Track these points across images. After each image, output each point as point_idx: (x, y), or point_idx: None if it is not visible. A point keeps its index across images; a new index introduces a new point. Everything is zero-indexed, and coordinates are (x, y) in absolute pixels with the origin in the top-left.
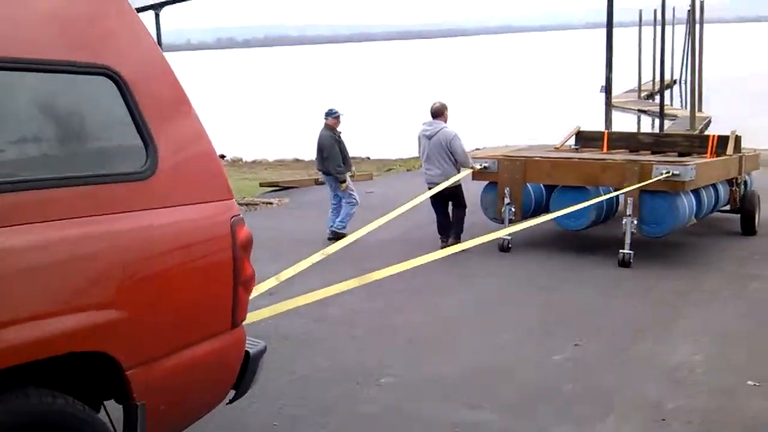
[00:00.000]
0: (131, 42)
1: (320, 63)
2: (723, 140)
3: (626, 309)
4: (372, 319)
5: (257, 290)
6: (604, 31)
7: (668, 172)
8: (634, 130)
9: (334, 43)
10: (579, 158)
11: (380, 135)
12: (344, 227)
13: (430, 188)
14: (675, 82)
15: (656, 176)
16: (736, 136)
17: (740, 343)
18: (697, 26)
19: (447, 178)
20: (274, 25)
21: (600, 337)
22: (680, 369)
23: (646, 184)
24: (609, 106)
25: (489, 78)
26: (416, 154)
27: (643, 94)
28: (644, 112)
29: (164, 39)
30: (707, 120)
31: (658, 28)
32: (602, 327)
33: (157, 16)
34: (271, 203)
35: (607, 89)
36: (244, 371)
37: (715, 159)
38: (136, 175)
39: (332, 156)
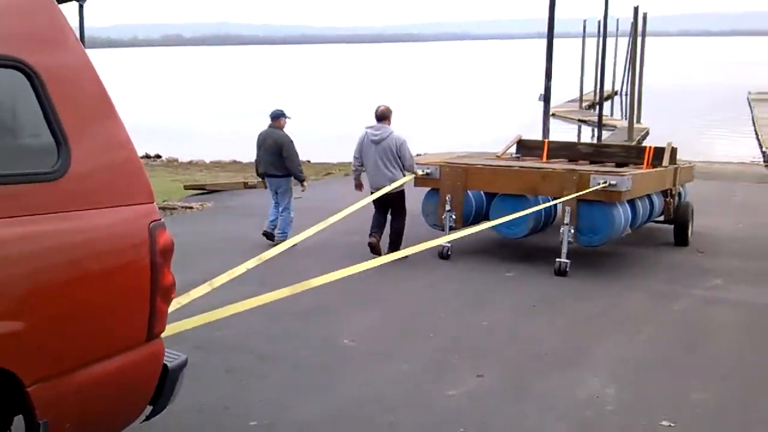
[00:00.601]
0: (50, 36)
1: (268, 63)
2: (659, 152)
3: (546, 330)
4: (263, 344)
5: (189, 297)
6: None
7: (605, 182)
8: (575, 139)
9: (287, 44)
10: (519, 167)
11: (321, 138)
12: (286, 236)
13: (374, 192)
14: (616, 93)
15: (593, 186)
16: (672, 147)
17: (658, 374)
18: (639, 39)
19: (391, 182)
20: (221, 23)
21: (509, 365)
22: (589, 406)
23: (584, 194)
24: (547, 115)
25: (435, 84)
26: None
27: (584, 104)
28: (584, 122)
29: (109, 34)
30: (645, 131)
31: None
32: (514, 353)
33: (81, 8)
34: (191, 207)
35: (546, 98)
36: (162, 386)
37: (651, 170)
38: (45, 176)
39: (293, 155)
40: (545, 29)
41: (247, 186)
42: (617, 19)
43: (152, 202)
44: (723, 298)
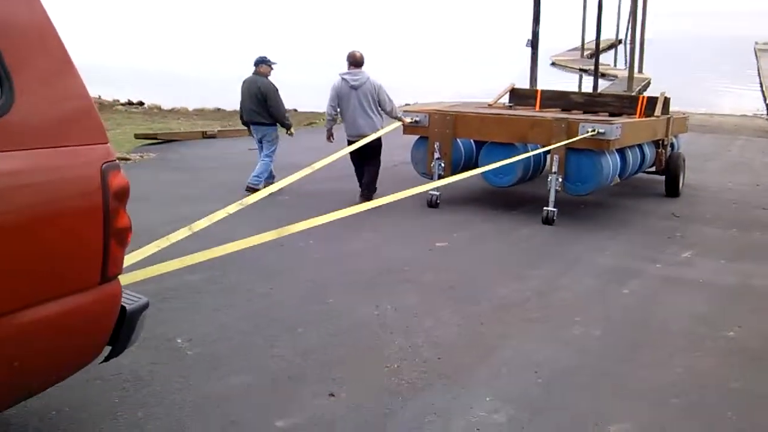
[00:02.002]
0: None
1: (254, 10)
2: (652, 102)
3: (463, 326)
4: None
5: (168, 240)
6: None
7: (594, 130)
8: (575, 89)
9: None
10: (508, 115)
11: (312, 86)
12: (260, 182)
13: (352, 141)
14: (620, 42)
15: (582, 134)
16: (665, 97)
17: (572, 392)
18: None
19: (375, 130)
20: None
21: (382, 379)
22: None
23: (572, 142)
24: (535, 62)
25: (431, 31)
26: None
27: (586, 53)
28: (585, 71)
29: None
30: (646, 81)
31: None
32: (411, 358)
33: None
34: (128, 159)
35: (533, 44)
36: (120, 328)
37: (641, 119)
38: None
39: (278, 103)
40: None
41: (205, 136)
42: None
43: (105, 143)
44: (684, 278)
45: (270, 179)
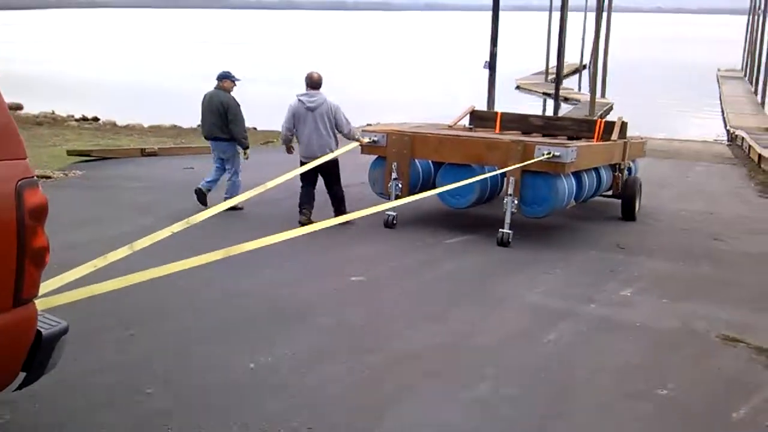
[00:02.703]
0: None
1: (236, 29)
2: (609, 126)
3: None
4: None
5: (106, 260)
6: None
7: (549, 153)
8: (539, 112)
9: (260, 9)
10: (465, 136)
11: (273, 104)
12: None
13: (304, 162)
14: (585, 66)
15: (538, 157)
16: (622, 122)
17: None
18: (605, 13)
19: (328, 151)
20: None
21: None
22: None
23: (528, 164)
24: (493, 83)
25: (400, 54)
26: None
27: (550, 77)
28: (549, 95)
29: None
30: (609, 106)
31: (574, 13)
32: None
33: None
34: (49, 177)
35: (491, 65)
36: (35, 354)
37: (597, 143)
38: None
39: (238, 119)
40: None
41: (144, 153)
42: None
43: (23, 159)
44: (620, 320)
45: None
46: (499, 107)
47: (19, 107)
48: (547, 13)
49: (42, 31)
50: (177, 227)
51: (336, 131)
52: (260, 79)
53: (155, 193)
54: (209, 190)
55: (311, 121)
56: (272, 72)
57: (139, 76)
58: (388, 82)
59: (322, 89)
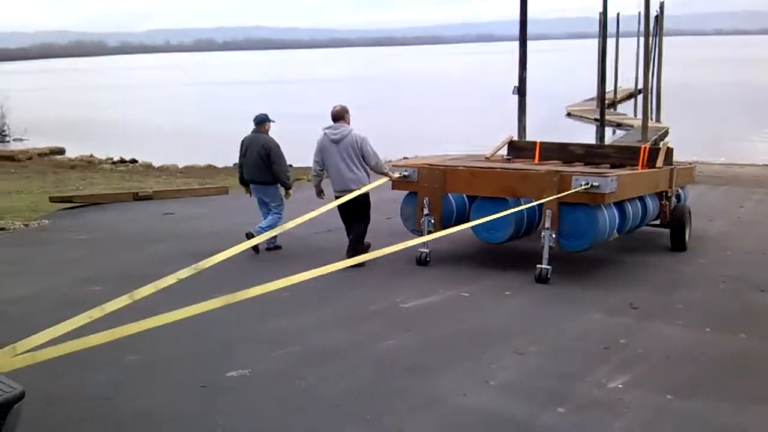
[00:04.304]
0: None
1: (295, 66)
2: (654, 152)
3: None
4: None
5: (103, 311)
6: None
7: (587, 184)
8: (593, 140)
9: (311, 48)
10: (500, 168)
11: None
12: (275, 240)
13: (339, 197)
14: (640, 91)
15: (575, 187)
16: (668, 148)
17: None
18: (655, 37)
19: (360, 185)
20: (251, 26)
21: None
22: None
23: (564, 195)
24: (523, 110)
25: (447, 85)
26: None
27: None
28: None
29: (142, 39)
30: (664, 130)
31: (627, 39)
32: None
33: None
34: (4, 229)
35: (521, 90)
36: None
37: (640, 171)
38: None
39: (281, 161)
40: (577, 29)
41: (137, 197)
42: (640, 14)
43: None
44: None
45: (272, 241)
46: (552, 136)
47: (61, 151)
48: (609, 39)
49: (109, 76)
50: (184, 273)
51: (364, 164)
52: (304, 116)
53: (98, 247)
54: (269, 240)
55: (337, 153)
56: (313, 109)
57: (192, 118)
58: (431, 115)
59: (351, 122)
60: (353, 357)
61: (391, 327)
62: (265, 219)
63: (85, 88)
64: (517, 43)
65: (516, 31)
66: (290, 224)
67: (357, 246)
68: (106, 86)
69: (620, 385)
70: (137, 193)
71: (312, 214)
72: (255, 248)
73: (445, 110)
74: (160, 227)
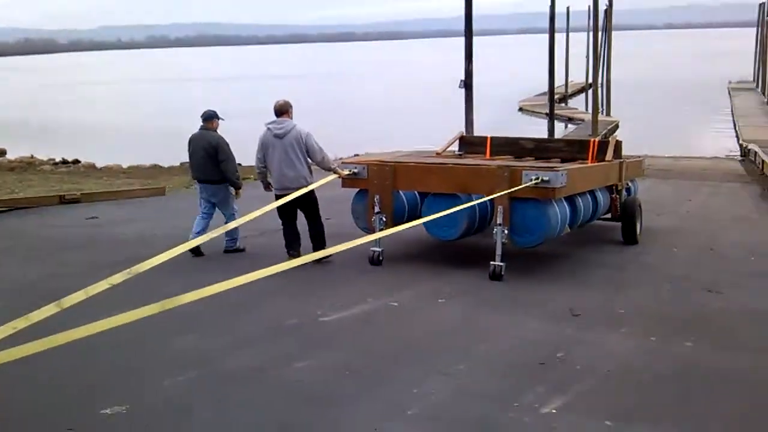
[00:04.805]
0: None
1: (254, 63)
2: (603, 146)
3: None
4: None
5: (28, 320)
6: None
7: (538, 179)
8: (544, 134)
9: (271, 44)
10: (451, 163)
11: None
12: (235, 242)
13: (280, 196)
14: (590, 85)
15: (526, 182)
16: (617, 141)
17: None
18: (603, 31)
19: (303, 182)
20: (206, 23)
21: None
22: None
23: (515, 191)
24: (470, 104)
25: (407, 81)
26: None
27: (555, 97)
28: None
29: (92, 36)
30: (614, 124)
31: (579, 34)
32: None
33: None
34: None
35: (467, 84)
36: None
37: (590, 165)
38: None
39: (229, 159)
40: (527, 24)
41: (63, 200)
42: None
43: None
44: None
45: (231, 244)
46: (505, 131)
47: (1, 152)
48: (560, 34)
49: (57, 74)
50: (117, 278)
51: (308, 160)
52: (254, 112)
53: (1, 258)
54: (233, 241)
55: (280, 149)
56: (264, 105)
57: (140, 117)
58: (386, 111)
59: (295, 117)
60: (256, 385)
61: (306, 346)
62: (202, 220)
63: (32, 88)
64: (476, 38)
65: (478, 26)
66: (242, 220)
67: (319, 242)
68: (53, 85)
69: (554, 410)
70: (63, 196)
71: (255, 213)
72: (198, 251)
73: (400, 106)
74: (79, 234)
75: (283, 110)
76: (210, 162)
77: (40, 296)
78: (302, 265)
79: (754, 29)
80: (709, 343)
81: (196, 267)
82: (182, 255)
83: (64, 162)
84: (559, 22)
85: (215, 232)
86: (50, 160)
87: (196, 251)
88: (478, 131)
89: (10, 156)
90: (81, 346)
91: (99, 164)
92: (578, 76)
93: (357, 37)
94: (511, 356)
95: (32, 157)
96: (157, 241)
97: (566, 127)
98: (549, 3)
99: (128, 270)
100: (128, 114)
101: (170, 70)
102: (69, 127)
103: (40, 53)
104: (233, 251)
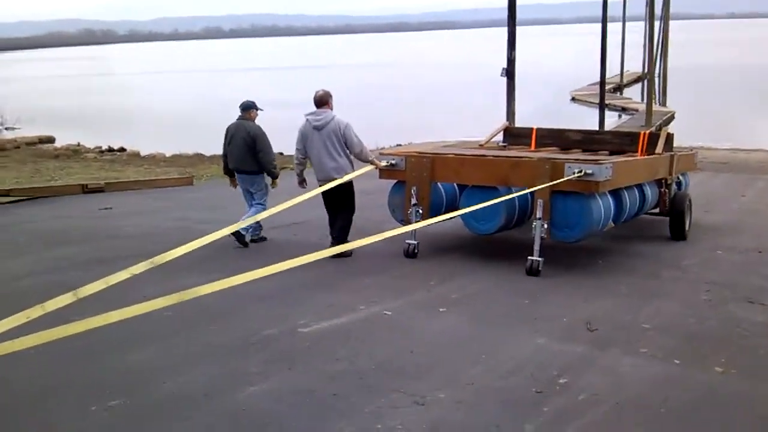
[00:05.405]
0: None
1: (304, 54)
2: (654, 138)
3: None
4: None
5: (43, 309)
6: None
7: (581, 171)
8: (594, 125)
9: (322, 34)
10: (491, 155)
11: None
12: (248, 231)
13: (322, 185)
14: (646, 75)
15: (568, 175)
16: (668, 133)
17: None
18: (662, 21)
19: (343, 173)
20: (261, 14)
21: None
22: None
23: (557, 184)
24: (512, 93)
25: (459, 71)
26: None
27: (608, 87)
28: (606, 106)
29: (150, 28)
30: (669, 115)
31: (636, 23)
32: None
33: None
34: None
35: (509, 72)
36: None
37: (638, 158)
38: None
39: (266, 149)
40: (587, 13)
41: (87, 190)
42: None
43: None
44: None
45: (257, 231)
46: (556, 122)
47: (51, 140)
48: (616, 24)
49: (115, 64)
50: (138, 268)
51: (347, 151)
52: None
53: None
54: (248, 231)
55: (319, 140)
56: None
57: (190, 106)
58: (437, 101)
59: (334, 108)
60: (203, 410)
61: (273, 362)
62: (249, 211)
63: (89, 76)
64: (529, 27)
65: (532, 15)
66: (275, 210)
67: (341, 236)
68: (111, 74)
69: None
70: (87, 185)
71: (294, 200)
72: (242, 241)
73: (451, 95)
74: (84, 225)
75: (322, 101)
76: (248, 152)
77: (22, 292)
78: (316, 260)
79: None
80: (741, 368)
81: (228, 256)
82: (208, 247)
83: (110, 150)
84: (616, 11)
85: (243, 223)
86: (96, 148)
87: (241, 241)
88: (528, 121)
89: (58, 143)
90: (25, 357)
91: (144, 152)
92: (635, 66)
93: (412, 27)
94: (504, 382)
95: (78, 144)
96: (166, 235)
97: (620, 117)
98: None
99: (151, 260)
100: (177, 103)
101: (227, 60)
102: (119, 116)
103: (100, 43)
104: (258, 240)
